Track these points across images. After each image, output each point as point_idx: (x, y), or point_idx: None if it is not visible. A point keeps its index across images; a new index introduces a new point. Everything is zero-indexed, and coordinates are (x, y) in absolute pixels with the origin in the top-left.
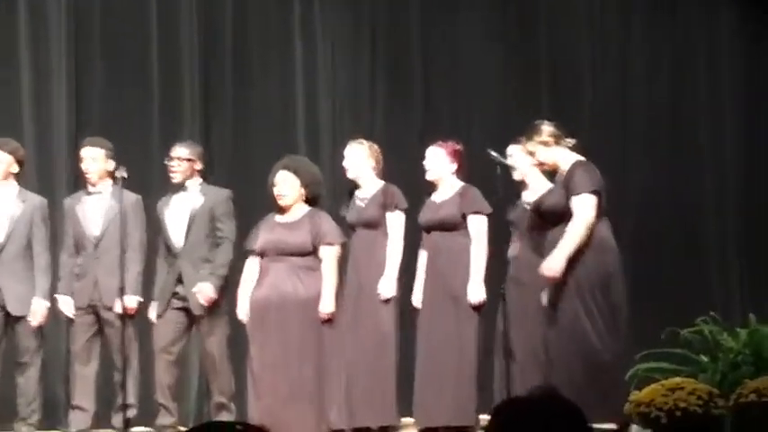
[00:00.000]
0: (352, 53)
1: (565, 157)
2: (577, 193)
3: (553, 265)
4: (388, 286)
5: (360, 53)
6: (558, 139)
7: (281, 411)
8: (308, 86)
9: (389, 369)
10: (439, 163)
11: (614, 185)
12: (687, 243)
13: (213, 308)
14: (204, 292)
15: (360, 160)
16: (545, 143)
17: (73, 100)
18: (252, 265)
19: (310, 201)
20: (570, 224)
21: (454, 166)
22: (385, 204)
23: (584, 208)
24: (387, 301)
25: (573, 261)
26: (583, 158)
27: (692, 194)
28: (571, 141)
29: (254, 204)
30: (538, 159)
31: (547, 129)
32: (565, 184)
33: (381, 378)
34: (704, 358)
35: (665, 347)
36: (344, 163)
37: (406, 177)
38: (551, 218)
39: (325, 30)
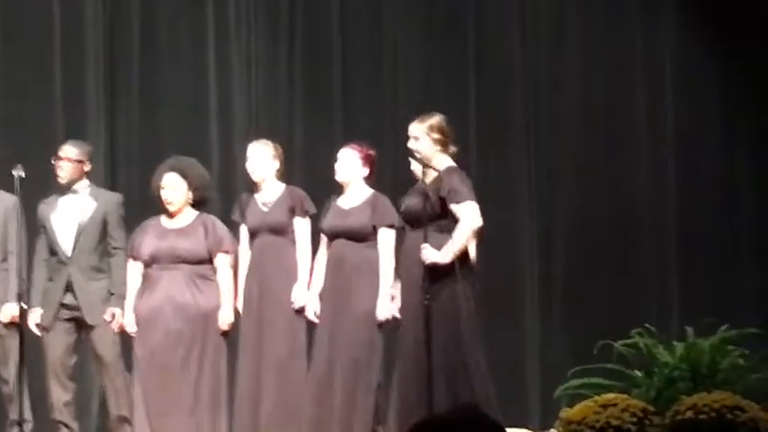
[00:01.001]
0: (269, 48)
1: (441, 159)
2: (459, 201)
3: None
4: (301, 294)
5: (277, 47)
6: (445, 140)
7: (176, 428)
8: (221, 82)
9: (301, 384)
10: (351, 166)
11: (546, 191)
12: (622, 250)
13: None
14: (116, 319)
15: (265, 161)
16: (434, 140)
17: None
18: (136, 273)
19: (197, 204)
20: (458, 229)
21: (366, 171)
22: (294, 209)
23: (473, 215)
24: (299, 310)
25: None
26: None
27: (627, 200)
28: (454, 149)
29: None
30: (416, 148)
31: (441, 124)
32: (439, 188)
33: (292, 393)
34: (638, 373)
35: (597, 362)
36: (248, 165)
37: (315, 180)
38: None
39: (238, 25)
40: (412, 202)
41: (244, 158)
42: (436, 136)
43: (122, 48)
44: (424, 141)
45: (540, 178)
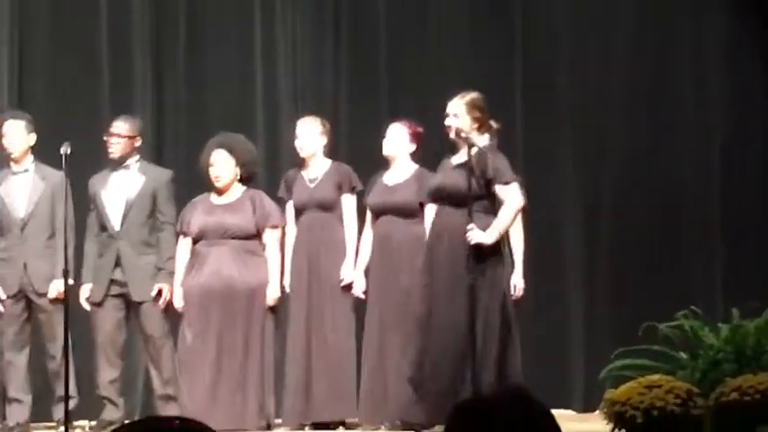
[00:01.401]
0: (315, 27)
1: (480, 139)
2: (506, 182)
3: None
4: (349, 271)
5: (324, 26)
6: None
7: (223, 404)
8: (268, 60)
9: (350, 360)
10: (399, 141)
11: (592, 173)
12: (668, 233)
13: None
14: (164, 295)
15: (313, 137)
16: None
17: (15, 72)
18: (184, 249)
19: (245, 180)
20: (504, 210)
21: (413, 148)
22: (341, 185)
23: (518, 196)
24: (347, 287)
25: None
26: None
27: (674, 181)
28: (496, 126)
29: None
30: (455, 125)
31: (480, 102)
32: (483, 167)
33: (343, 368)
34: (683, 355)
35: (642, 344)
36: (297, 141)
37: (362, 157)
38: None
39: (285, 4)
40: (452, 179)
41: (289, 136)
42: (476, 114)
43: (169, 25)
44: (464, 119)
45: (586, 160)
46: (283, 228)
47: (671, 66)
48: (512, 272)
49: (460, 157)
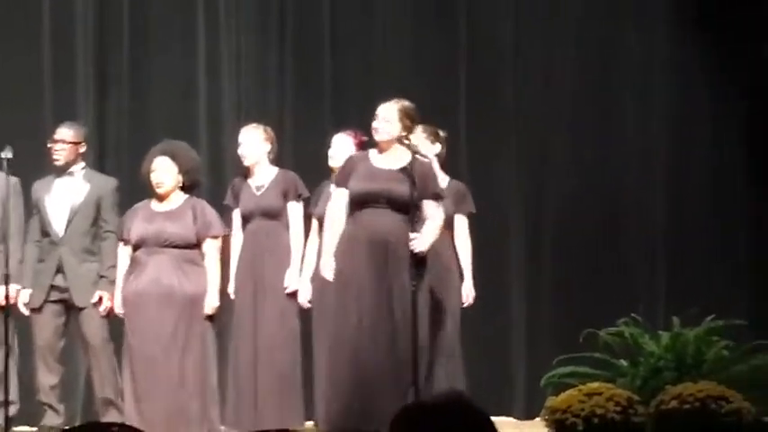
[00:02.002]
0: (259, 36)
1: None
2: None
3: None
4: (294, 278)
5: (268, 34)
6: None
7: (162, 411)
8: (211, 70)
9: (295, 367)
10: (344, 152)
11: (536, 180)
12: (611, 240)
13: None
14: (104, 302)
15: (257, 145)
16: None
17: None
18: (124, 256)
19: (187, 188)
20: (436, 222)
21: None
22: (287, 193)
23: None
24: (292, 294)
25: None
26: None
27: (616, 190)
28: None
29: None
30: (383, 128)
31: (413, 110)
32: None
33: (286, 378)
34: (624, 362)
35: (583, 351)
36: (240, 150)
37: (307, 164)
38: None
39: (229, 9)
40: (390, 184)
41: (233, 144)
42: (407, 122)
43: (113, 32)
44: (395, 125)
45: (529, 168)
46: (224, 237)
47: (615, 74)
48: (460, 281)
49: (393, 162)
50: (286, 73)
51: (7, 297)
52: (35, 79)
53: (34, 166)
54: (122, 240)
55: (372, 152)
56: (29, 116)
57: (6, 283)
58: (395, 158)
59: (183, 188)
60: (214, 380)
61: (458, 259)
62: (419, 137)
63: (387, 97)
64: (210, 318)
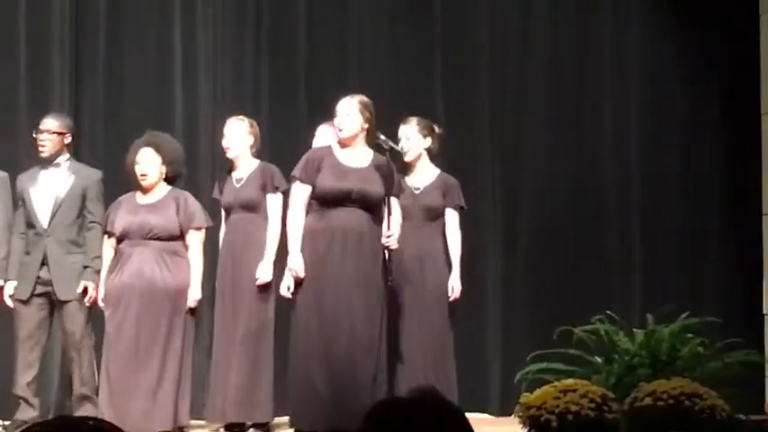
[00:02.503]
0: (235, 29)
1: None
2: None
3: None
4: (266, 270)
5: (244, 27)
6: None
7: (138, 406)
8: (187, 64)
9: (267, 361)
10: (327, 142)
11: (510, 175)
12: (585, 236)
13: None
14: (89, 293)
15: (240, 138)
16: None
17: None
18: (108, 249)
19: (171, 179)
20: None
21: None
22: (265, 185)
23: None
24: (265, 286)
25: None
26: None
27: (591, 186)
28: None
29: (127, 182)
30: (342, 124)
31: (370, 105)
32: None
33: (258, 370)
34: (598, 359)
35: (557, 347)
36: (224, 141)
37: (290, 156)
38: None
39: (206, 2)
40: (363, 184)
41: (207, 138)
42: (367, 115)
43: (88, 25)
44: (355, 118)
45: (503, 163)
46: (210, 230)
47: (590, 66)
48: (449, 274)
49: (359, 159)
50: (262, 66)
51: None
52: (11, 74)
53: (9, 160)
54: (106, 233)
55: (335, 147)
56: (3, 110)
57: None
58: (360, 155)
59: (167, 180)
60: (189, 373)
61: (446, 254)
62: (413, 129)
63: (361, 89)
64: (192, 311)
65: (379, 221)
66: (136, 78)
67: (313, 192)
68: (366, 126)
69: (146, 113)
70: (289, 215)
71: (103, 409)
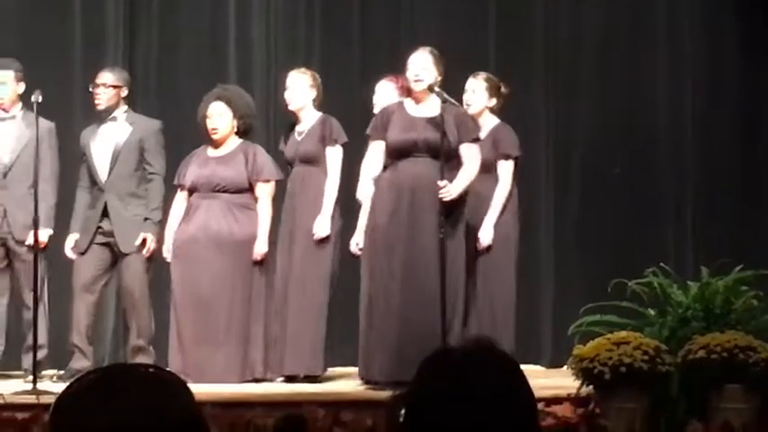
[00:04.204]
0: None
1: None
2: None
3: None
4: (324, 225)
5: None
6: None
7: (206, 355)
8: (241, 15)
9: (321, 314)
10: (389, 97)
11: (564, 128)
12: (638, 188)
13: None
14: (148, 244)
15: (302, 91)
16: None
17: None
18: (180, 201)
19: (242, 133)
20: (470, 167)
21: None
22: (324, 138)
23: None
24: (323, 240)
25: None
26: None
27: (645, 138)
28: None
29: (182, 135)
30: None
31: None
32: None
33: (312, 323)
34: (652, 312)
35: (611, 300)
36: (286, 94)
37: (343, 110)
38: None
39: None
40: (427, 132)
41: (261, 90)
42: (440, 68)
43: None
44: (431, 71)
45: (559, 118)
46: (277, 182)
47: (644, 17)
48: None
49: (429, 110)
50: (314, 17)
51: (36, 241)
52: (66, 29)
53: (64, 112)
54: (179, 186)
55: (407, 101)
56: (59, 66)
57: (35, 227)
58: (432, 105)
59: (238, 133)
60: (260, 326)
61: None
62: (480, 85)
63: (415, 44)
64: (260, 263)
65: (453, 169)
66: (189, 32)
67: (386, 147)
68: (440, 78)
69: (199, 67)
70: (361, 174)
71: (173, 360)
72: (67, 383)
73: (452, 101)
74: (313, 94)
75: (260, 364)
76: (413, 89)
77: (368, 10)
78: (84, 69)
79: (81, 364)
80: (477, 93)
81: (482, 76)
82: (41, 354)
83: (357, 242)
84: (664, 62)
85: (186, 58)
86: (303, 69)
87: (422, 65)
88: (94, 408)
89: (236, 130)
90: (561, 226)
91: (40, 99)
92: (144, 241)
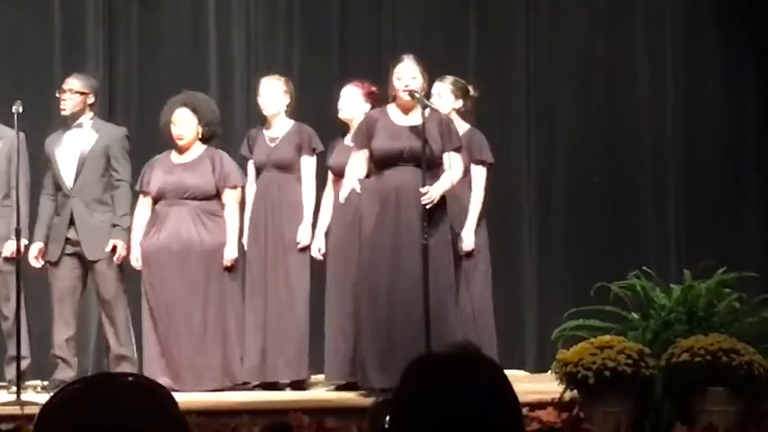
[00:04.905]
0: None
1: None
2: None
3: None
4: (306, 233)
5: None
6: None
7: (185, 363)
8: (221, 20)
9: (304, 319)
10: (354, 103)
11: (545, 131)
12: (621, 192)
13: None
14: (118, 251)
15: (276, 97)
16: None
17: None
18: (144, 208)
19: (206, 139)
20: (453, 174)
21: (368, 108)
22: (301, 147)
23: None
24: (303, 249)
25: None
26: None
27: (627, 141)
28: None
29: (161, 140)
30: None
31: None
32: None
33: (295, 329)
34: (635, 315)
35: (594, 304)
36: (260, 99)
37: (318, 117)
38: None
39: None
40: (412, 142)
41: (241, 95)
42: (427, 76)
43: None
44: (419, 80)
45: (539, 120)
46: (243, 187)
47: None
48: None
49: (412, 119)
50: (294, 25)
51: (18, 251)
52: (46, 34)
53: (45, 121)
54: (142, 192)
55: (391, 108)
56: (39, 71)
57: (18, 238)
58: (415, 115)
59: (202, 139)
60: (236, 331)
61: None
62: (446, 88)
63: (395, 50)
64: (230, 269)
65: (435, 177)
66: (169, 36)
67: (371, 155)
68: (425, 86)
69: (179, 71)
70: (344, 181)
71: (151, 369)
72: (51, 394)
73: (434, 106)
74: (286, 100)
75: (239, 369)
76: (402, 98)
77: (348, 17)
78: (64, 75)
79: (65, 374)
80: (443, 96)
81: (449, 79)
82: (24, 364)
83: (319, 246)
84: (644, 68)
85: (166, 62)
86: (277, 76)
87: (412, 74)
88: (79, 418)
89: (200, 136)
90: (544, 230)
91: (21, 110)
92: (114, 248)
